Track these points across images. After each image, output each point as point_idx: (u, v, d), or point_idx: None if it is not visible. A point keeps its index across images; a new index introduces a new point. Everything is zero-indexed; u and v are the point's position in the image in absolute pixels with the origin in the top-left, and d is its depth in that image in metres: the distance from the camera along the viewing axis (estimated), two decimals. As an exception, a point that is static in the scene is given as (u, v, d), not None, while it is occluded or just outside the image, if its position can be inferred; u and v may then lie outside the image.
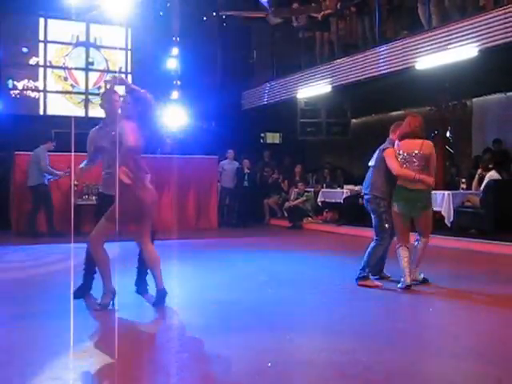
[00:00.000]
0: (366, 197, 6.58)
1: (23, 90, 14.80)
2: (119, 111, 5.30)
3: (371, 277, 6.50)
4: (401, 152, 6.26)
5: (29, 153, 11.16)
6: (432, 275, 6.61)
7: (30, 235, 10.53)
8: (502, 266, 7.94)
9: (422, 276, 6.48)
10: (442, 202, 10.25)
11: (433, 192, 10.56)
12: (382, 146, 6.53)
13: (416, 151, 6.18)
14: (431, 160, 6.25)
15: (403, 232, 6.31)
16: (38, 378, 3.56)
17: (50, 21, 15.04)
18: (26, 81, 14.79)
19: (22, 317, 4.94)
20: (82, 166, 5.66)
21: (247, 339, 4.37)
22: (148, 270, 5.54)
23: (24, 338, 4.37)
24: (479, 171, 10.73)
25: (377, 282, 6.42)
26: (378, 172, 6.47)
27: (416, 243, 6.41)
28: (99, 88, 15.53)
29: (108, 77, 14.70)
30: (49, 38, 15.07)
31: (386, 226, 6.35)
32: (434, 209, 10.52)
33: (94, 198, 11.53)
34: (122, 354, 4.01)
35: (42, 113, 14.93)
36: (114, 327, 4.64)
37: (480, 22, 9.26)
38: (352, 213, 12.59)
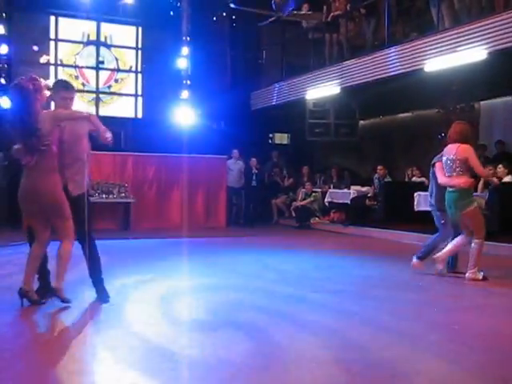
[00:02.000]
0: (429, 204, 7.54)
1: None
2: None
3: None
4: (443, 158, 6.80)
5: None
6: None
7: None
8: (509, 268, 7.97)
9: (481, 274, 6.71)
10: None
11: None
12: (433, 160, 7.12)
13: (452, 156, 6.64)
14: (469, 162, 6.62)
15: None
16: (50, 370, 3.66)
17: (60, 19, 15.12)
18: (36, 79, 14.89)
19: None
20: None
21: (255, 337, 4.43)
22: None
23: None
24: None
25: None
26: (433, 183, 7.25)
27: (472, 244, 6.74)
28: (109, 87, 15.66)
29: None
30: (60, 37, 15.17)
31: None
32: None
33: (104, 195, 11.70)
34: (130, 348, 4.09)
35: (52, 111, 15.03)
36: (121, 323, 4.74)
37: (489, 24, 9.28)
38: (359, 213, 12.67)
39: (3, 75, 13.57)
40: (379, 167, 13.02)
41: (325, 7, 13.79)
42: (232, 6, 15.09)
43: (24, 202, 5.05)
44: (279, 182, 15.32)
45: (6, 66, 13.66)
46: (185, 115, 15.18)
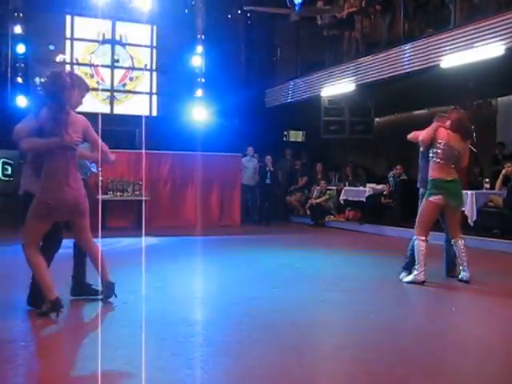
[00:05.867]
0: None
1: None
2: None
3: None
4: None
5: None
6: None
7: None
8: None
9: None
10: (466, 201, 10.18)
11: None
12: None
13: None
14: None
15: None
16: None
17: (76, 18, 15.19)
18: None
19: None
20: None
21: (271, 335, 4.41)
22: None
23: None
24: (503, 171, 10.62)
25: None
26: None
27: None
28: (124, 85, 15.69)
29: None
30: (75, 36, 15.23)
31: None
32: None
33: (118, 193, 11.76)
34: (146, 347, 4.08)
35: (68, 109, 15.08)
36: (140, 321, 4.73)
37: (507, 20, 9.16)
38: (374, 212, 12.58)
39: (20, 74, 13.67)
40: (398, 167, 12.86)
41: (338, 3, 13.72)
42: (246, 7, 15.01)
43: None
44: (297, 169, 15.23)
45: (22, 65, 13.77)
46: (199, 113, 15.18)
